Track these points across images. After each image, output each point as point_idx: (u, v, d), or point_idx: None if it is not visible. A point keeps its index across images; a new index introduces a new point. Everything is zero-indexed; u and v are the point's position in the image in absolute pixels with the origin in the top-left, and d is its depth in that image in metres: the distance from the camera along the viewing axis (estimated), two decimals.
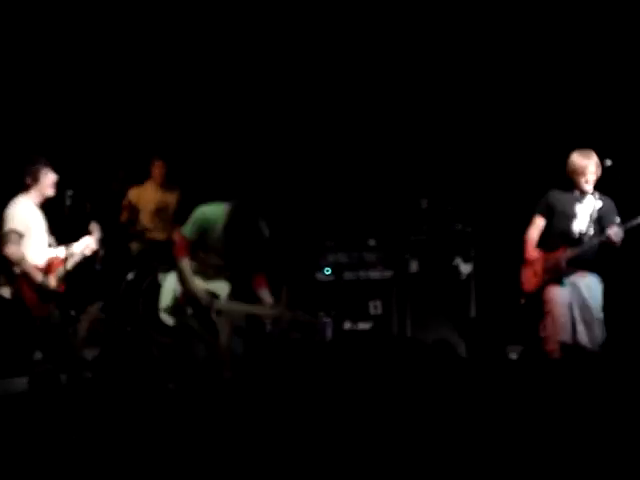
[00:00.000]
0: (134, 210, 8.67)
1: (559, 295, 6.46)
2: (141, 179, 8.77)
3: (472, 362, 7.60)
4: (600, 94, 8.40)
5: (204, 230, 5.94)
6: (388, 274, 8.14)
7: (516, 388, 5.98)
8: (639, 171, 7.77)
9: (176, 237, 6.09)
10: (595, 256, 6.50)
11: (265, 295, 6.07)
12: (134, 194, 8.70)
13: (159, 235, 8.73)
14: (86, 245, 6.57)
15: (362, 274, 8.19)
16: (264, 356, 7.60)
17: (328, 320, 6.53)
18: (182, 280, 5.97)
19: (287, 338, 6.80)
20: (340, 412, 5.36)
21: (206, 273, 6.06)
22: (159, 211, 8.70)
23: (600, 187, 6.60)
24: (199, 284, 6.00)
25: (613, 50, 8.32)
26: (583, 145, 6.58)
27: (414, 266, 8.08)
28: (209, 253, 6.01)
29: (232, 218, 5.89)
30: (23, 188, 6.39)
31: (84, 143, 8.59)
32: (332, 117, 9.13)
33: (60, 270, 6.40)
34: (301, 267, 8.28)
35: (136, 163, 8.76)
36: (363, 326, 8.15)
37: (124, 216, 8.68)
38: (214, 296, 6.03)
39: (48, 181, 6.41)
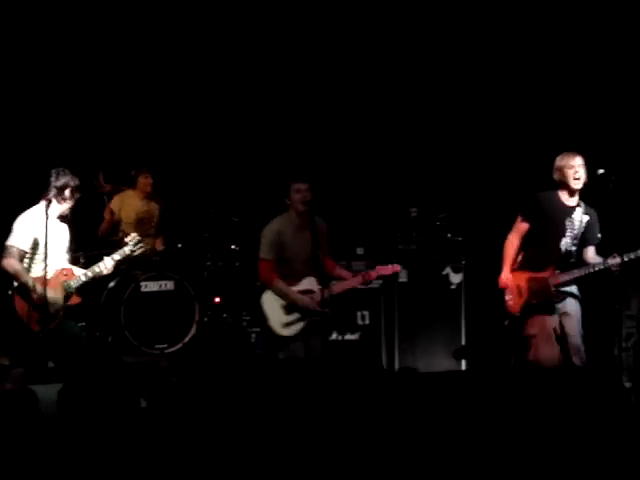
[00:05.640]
0: (116, 220, 8.46)
1: (546, 326, 6.42)
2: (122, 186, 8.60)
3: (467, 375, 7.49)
4: (593, 103, 8.37)
5: (280, 245, 6.47)
6: (376, 284, 7.98)
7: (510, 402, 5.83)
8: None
9: (259, 265, 6.54)
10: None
11: (343, 272, 6.80)
12: (116, 203, 8.50)
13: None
14: (105, 266, 6.36)
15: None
16: (251, 368, 7.47)
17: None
18: (284, 298, 6.51)
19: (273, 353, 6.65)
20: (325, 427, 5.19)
21: (290, 277, 6.53)
22: (141, 221, 8.51)
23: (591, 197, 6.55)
24: (293, 291, 6.53)
25: (607, 58, 8.30)
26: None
27: (403, 275, 7.96)
28: (290, 261, 6.49)
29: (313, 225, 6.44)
30: (43, 198, 6.19)
31: (65, 151, 8.41)
32: (320, 125, 9.07)
33: (70, 283, 6.25)
34: None
35: (117, 171, 8.59)
36: (350, 337, 8.00)
37: (104, 226, 8.46)
38: (310, 292, 6.52)
39: (73, 202, 6.30)
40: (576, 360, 6.40)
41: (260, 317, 6.62)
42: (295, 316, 6.52)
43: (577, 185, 6.39)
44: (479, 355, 8.02)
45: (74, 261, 6.87)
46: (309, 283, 6.55)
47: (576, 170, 6.37)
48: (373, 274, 6.78)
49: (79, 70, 8.64)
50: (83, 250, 7.67)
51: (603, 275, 6.47)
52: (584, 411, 5.08)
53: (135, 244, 6.41)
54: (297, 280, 6.55)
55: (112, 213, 8.44)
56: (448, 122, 8.93)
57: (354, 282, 6.72)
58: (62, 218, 6.33)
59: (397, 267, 7.02)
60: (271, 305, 6.55)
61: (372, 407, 5.40)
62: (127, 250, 6.39)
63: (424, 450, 4.75)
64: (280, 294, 6.52)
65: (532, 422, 5.00)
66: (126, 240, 6.45)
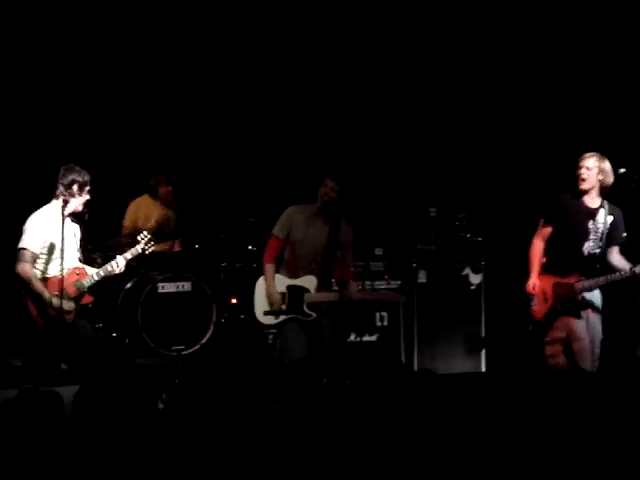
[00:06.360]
0: (135, 227, 8.44)
1: (580, 327, 6.33)
2: (136, 191, 8.55)
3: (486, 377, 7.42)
4: (616, 102, 8.30)
5: (290, 227, 6.50)
6: (395, 284, 7.96)
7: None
8: None
9: (268, 239, 6.66)
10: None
11: (351, 284, 6.57)
12: (131, 213, 8.47)
13: (158, 247, 8.50)
14: (117, 264, 6.33)
15: (368, 284, 7.98)
16: (267, 370, 7.42)
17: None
18: (265, 282, 6.54)
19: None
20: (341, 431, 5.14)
21: (295, 269, 6.51)
22: (160, 225, 8.48)
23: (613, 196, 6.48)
24: (285, 282, 6.49)
25: (630, 56, 8.23)
26: (597, 151, 6.41)
27: (422, 276, 7.91)
28: (298, 248, 6.48)
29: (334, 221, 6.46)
30: (53, 196, 6.16)
31: (81, 152, 8.39)
32: (337, 123, 9.03)
33: (82, 282, 6.20)
34: None
35: (131, 175, 8.55)
36: (369, 338, 7.94)
37: (126, 232, 8.42)
38: (304, 290, 6.44)
39: (86, 198, 6.21)
40: (587, 365, 6.32)
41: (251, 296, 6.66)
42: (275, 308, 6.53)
43: (581, 186, 6.30)
44: (499, 357, 7.95)
45: (91, 262, 6.86)
46: (306, 281, 6.50)
47: (581, 171, 6.28)
48: (373, 296, 6.76)
49: (94, 75, 8.65)
50: (100, 251, 7.65)
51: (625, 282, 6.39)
52: (604, 413, 5.02)
53: (147, 242, 6.42)
54: (299, 274, 6.52)
55: (130, 220, 8.44)
56: (468, 122, 8.88)
57: (355, 296, 6.57)
58: (74, 216, 6.27)
59: (402, 298, 7.01)
60: (261, 291, 6.58)
61: (391, 408, 5.35)
62: (139, 249, 6.40)
63: (441, 451, 4.70)
64: (264, 275, 6.56)
65: (551, 425, 4.94)
66: (138, 238, 6.46)
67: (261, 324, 6.71)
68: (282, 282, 6.53)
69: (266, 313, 6.54)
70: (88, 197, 6.21)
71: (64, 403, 5.10)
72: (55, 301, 6.00)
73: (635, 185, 6.40)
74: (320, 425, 5.07)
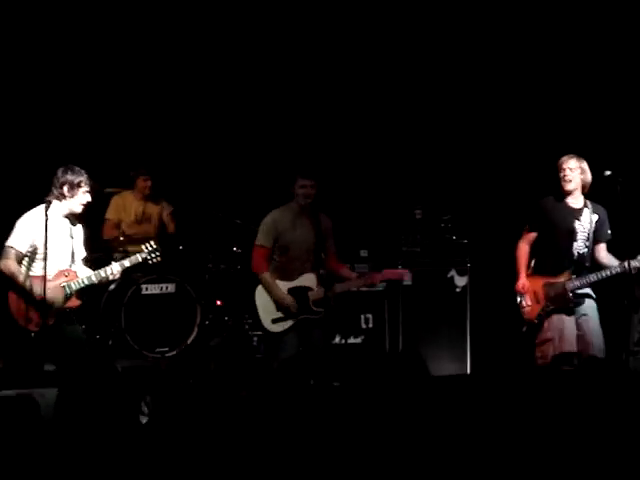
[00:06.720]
0: (117, 224, 8.40)
1: (565, 329, 6.34)
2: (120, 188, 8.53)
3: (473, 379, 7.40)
4: (600, 105, 8.32)
5: (277, 234, 6.43)
6: (380, 286, 7.89)
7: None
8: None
9: (253, 251, 6.55)
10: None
11: (346, 272, 6.67)
12: (113, 207, 8.43)
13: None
14: (111, 271, 6.14)
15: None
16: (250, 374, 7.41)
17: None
18: (268, 291, 6.43)
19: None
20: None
21: (289, 272, 6.47)
22: (140, 222, 8.44)
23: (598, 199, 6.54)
24: (285, 286, 6.44)
25: (613, 58, 8.25)
26: (581, 154, 6.47)
27: (408, 278, 7.87)
28: (290, 249, 6.44)
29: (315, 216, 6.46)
30: (50, 196, 5.99)
31: (64, 153, 8.35)
32: (324, 127, 9.00)
33: (70, 284, 6.05)
34: None
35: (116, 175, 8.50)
36: (354, 340, 7.93)
37: (107, 233, 8.36)
38: (307, 289, 6.43)
39: (83, 199, 6.05)
40: (598, 355, 6.35)
41: (253, 310, 6.55)
42: (285, 313, 6.45)
43: (567, 187, 6.39)
44: (485, 359, 7.96)
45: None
46: (308, 280, 6.47)
47: (565, 173, 6.36)
48: (378, 277, 6.69)
49: (84, 72, 8.58)
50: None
51: (615, 278, 6.42)
52: (592, 414, 5.02)
53: (151, 252, 6.22)
54: (296, 275, 6.48)
55: (112, 217, 8.41)
56: (453, 124, 8.88)
57: (357, 283, 6.63)
58: (74, 217, 6.13)
59: (405, 272, 7.07)
60: (263, 299, 6.48)
61: (378, 409, 5.33)
62: (139, 257, 6.20)
63: (428, 454, 4.69)
64: (265, 286, 6.45)
65: (540, 426, 4.94)
66: (142, 247, 6.26)
67: (265, 331, 6.56)
68: (280, 287, 6.46)
69: (274, 321, 6.44)
70: (88, 198, 6.04)
71: (41, 406, 5.06)
72: (36, 288, 5.89)
73: (620, 188, 6.44)
74: (307, 427, 5.05)
